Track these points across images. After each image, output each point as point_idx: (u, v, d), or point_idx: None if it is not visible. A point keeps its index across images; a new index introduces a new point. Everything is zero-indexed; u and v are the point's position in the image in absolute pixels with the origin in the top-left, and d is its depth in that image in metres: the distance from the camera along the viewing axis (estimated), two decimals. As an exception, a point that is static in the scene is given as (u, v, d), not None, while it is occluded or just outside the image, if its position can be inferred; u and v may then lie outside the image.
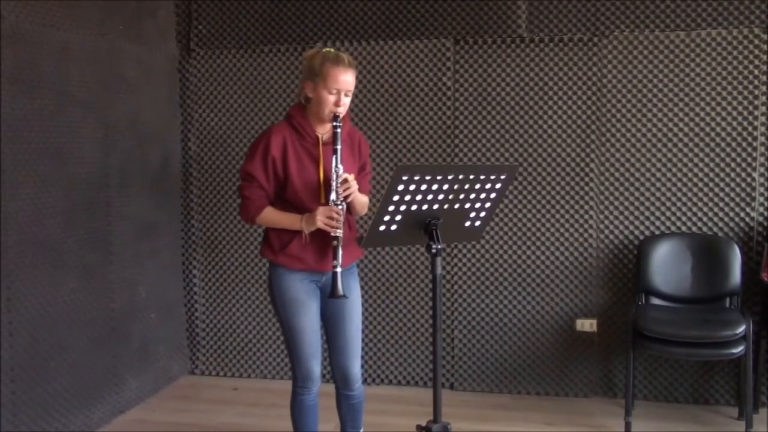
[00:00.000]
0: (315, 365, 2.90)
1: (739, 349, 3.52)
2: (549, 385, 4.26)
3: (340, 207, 2.71)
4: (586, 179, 4.12)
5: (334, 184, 2.72)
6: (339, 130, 2.73)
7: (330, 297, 2.77)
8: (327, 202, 2.74)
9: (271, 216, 2.83)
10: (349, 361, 2.95)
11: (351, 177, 2.78)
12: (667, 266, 3.93)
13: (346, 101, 2.75)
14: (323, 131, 2.84)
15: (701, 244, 3.95)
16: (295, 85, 4.40)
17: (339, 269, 2.72)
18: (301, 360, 2.89)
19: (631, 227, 4.10)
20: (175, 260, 4.57)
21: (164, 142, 4.43)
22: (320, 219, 2.70)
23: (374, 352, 4.45)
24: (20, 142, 3.27)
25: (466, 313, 4.32)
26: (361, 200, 2.91)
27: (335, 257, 2.72)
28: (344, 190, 2.73)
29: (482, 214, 2.62)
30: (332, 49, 2.80)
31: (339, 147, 2.72)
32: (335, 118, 2.73)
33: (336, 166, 2.72)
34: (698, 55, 3.95)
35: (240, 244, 4.55)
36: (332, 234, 2.72)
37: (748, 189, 3.96)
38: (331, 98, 2.73)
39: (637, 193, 4.08)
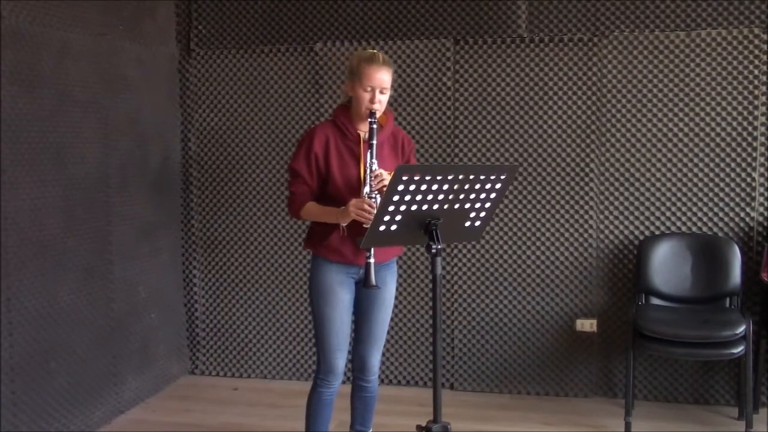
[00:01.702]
0: (339, 359, 2.97)
1: (739, 349, 3.52)
2: (549, 385, 4.26)
3: (373, 200, 2.77)
4: (586, 179, 4.12)
5: (367, 177, 2.80)
6: (375, 126, 2.81)
7: (363, 287, 2.85)
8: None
9: (313, 210, 2.93)
10: (369, 349, 3.04)
11: (386, 173, 2.84)
12: (667, 266, 3.93)
13: (382, 99, 2.85)
14: (365, 129, 2.90)
15: (701, 244, 3.95)
16: (295, 85, 4.41)
17: (372, 260, 2.79)
18: (327, 351, 2.96)
19: (631, 227, 4.10)
20: (175, 260, 4.57)
21: (164, 142, 4.43)
22: (353, 210, 2.76)
23: (374, 352, 4.44)
24: (20, 142, 3.27)
25: (466, 313, 4.32)
26: None
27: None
28: (378, 183, 2.79)
29: (482, 214, 2.62)
30: (369, 50, 2.92)
31: (374, 142, 2.80)
32: (371, 114, 2.82)
33: (371, 161, 2.80)
34: (698, 55, 3.95)
35: (240, 244, 4.55)
36: (365, 225, 2.76)
37: (748, 189, 3.96)
38: (367, 95, 2.83)
39: (637, 193, 4.08)
